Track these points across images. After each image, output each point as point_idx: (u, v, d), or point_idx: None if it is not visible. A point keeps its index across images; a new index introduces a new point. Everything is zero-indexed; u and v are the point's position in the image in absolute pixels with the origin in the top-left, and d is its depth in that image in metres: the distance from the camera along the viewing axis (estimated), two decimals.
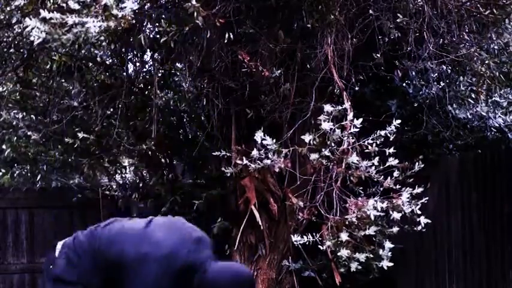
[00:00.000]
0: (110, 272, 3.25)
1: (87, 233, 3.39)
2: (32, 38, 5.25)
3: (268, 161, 5.68)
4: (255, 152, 5.71)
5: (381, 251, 5.57)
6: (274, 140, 5.73)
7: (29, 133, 7.25)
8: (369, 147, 5.51)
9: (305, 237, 5.72)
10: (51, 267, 3.37)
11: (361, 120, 5.55)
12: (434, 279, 7.92)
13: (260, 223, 6.42)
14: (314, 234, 5.72)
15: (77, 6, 5.32)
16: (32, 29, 5.20)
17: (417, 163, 5.78)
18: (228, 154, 6.22)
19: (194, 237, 3.35)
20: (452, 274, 7.87)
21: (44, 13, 5.23)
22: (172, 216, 3.73)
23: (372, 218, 5.42)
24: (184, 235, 3.35)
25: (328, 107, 5.52)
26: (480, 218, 7.82)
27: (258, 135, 5.67)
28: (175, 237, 3.30)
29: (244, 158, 5.81)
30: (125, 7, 5.25)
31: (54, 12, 5.27)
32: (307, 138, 5.58)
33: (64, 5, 5.42)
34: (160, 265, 3.18)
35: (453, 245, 7.89)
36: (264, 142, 5.67)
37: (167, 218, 3.54)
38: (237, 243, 6.59)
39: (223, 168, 6.15)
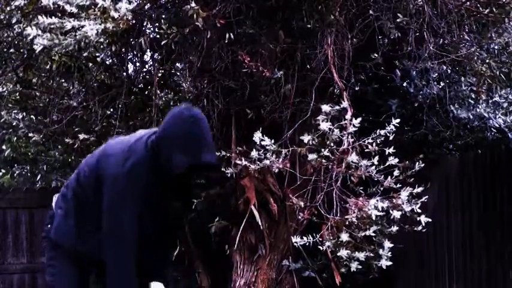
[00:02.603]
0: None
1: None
2: (34, 47, 5.28)
3: (267, 162, 5.67)
4: (254, 153, 5.71)
5: (380, 251, 5.57)
6: (273, 141, 5.73)
7: (29, 134, 7.25)
8: (369, 146, 5.51)
9: (305, 238, 5.72)
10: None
11: (360, 119, 5.55)
12: (434, 279, 7.91)
13: (260, 223, 6.42)
14: (314, 234, 5.72)
15: (74, 10, 5.33)
16: (34, 37, 5.23)
17: (417, 162, 5.77)
18: (228, 155, 6.22)
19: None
20: (452, 274, 7.86)
21: (42, 19, 5.25)
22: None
23: (374, 217, 5.41)
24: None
25: (325, 107, 5.52)
26: (480, 218, 7.81)
27: (257, 136, 5.67)
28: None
29: (243, 158, 5.81)
30: (121, 8, 5.27)
31: (53, 17, 5.28)
32: (306, 138, 5.58)
33: (63, 4, 5.43)
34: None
35: (453, 245, 7.88)
36: (263, 143, 5.66)
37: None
38: (236, 243, 6.59)
39: (223, 169, 6.14)
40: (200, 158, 3.66)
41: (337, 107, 5.59)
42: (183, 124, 3.68)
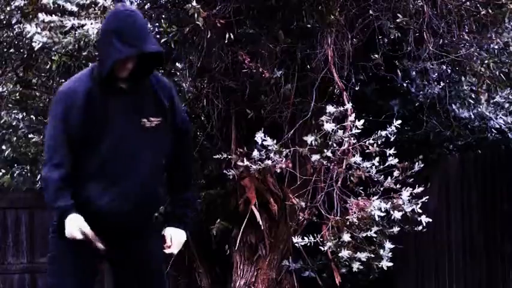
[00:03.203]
0: None
1: None
2: (33, 44, 5.28)
3: (269, 162, 5.67)
4: (255, 153, 5.71)
5: (381, 251, 5.56)
6: (275, 141, 5.73)
7: (30, 135, 7.24)
8: (370, 147, 5.51)
9: (306, 238, 5.72)
10: None
11: (362, 121, 5.55)
12: (434, 279, 7.92)
13: (260, 223, 6.42)
14: (315, 235, 5.72)
15: (74, 9, 5.34)
16: (33, 35, 5.23)
17: (417, 163, 5.78)
18: (229, 156, 6.21)
19: None
20: (452, 274, 7.87)
21: (42, 16, 5.25)
22: None
23: (377, 218, 5.41)
24: None
25: (330, 108, 5.52)
26: (480, 218, 7.82)
27: (259, 136, 5.67)
28: None
29: (245, 159, 5.81)
30: None
31: (53, 15, 5.28)
32: (309, 139, 5.58)
33: (63, 4, 5.44)
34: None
35: (453, 245, 7.89)
36: (265, 143, 5.66)
37: None
38: (237, 244, 6.58)
39: (224, 171, 6.14)
40: (142, 47, 3.55)
41: (341, 108, 5.59)
42: (118, 17, 3.62)
